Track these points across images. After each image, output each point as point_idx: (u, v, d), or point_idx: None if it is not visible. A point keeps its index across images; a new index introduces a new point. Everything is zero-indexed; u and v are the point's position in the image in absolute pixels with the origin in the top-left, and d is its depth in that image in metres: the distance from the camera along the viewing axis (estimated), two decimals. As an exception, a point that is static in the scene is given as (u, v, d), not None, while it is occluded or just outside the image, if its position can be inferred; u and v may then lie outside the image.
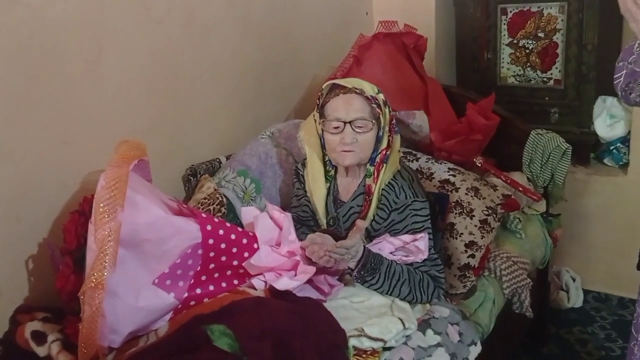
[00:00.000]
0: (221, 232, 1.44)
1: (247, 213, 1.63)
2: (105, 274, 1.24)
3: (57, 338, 1.39)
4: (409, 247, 1.59)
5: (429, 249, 1.61)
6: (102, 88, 1.69)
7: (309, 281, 1.53)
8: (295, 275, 1.50)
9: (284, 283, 1.48)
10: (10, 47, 1.45)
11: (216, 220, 1.47)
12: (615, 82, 1.35)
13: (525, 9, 2.78)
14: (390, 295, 1.56)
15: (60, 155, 1.60)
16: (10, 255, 1.52)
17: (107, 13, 1.68)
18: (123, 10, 1.72)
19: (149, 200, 1.37)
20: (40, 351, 1.38)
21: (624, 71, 1.32)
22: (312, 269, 1.51)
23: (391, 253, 1.60)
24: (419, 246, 1.59)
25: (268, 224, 1.56)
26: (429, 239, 1.63)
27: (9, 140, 1.48)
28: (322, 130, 1.68)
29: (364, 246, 1.54)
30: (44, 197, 1.57)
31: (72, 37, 1.59)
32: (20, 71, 1.48)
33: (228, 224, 1.49)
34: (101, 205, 1.27)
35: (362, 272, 1.53)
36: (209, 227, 1.42)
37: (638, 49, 1.27)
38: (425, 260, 1.61)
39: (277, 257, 1.51)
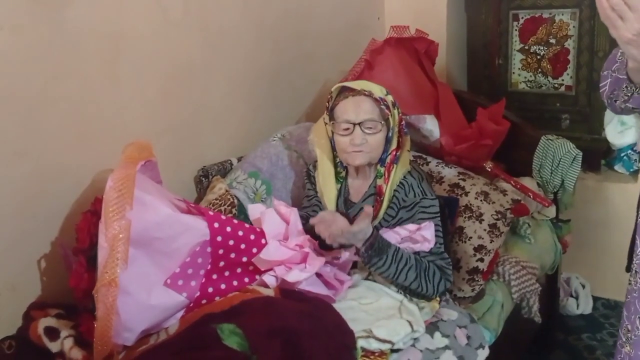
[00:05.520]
0: (229, 229, 1.45)
1: (254, 209, 1.65)
2: (118, 270, 1.26)
3: (70, 334, 1.41)
4: (415, 236, 1.61)
5: (436, 242, 1.62)
6: (118, 89, 1.72)
7: (319, 276, 1.54)
8: (306, 267, 1.51)
9: (294, 276, 1.49)
10: (29, 47, 1.48)
11: (223, 217, 1.48)
12: (601, 91, 1.36)
13: (537, 16, 2.79)
14: (397, 280, 1.56)
15: (76, 154, 1.62)
16: (25, 251, 1.54)
17: (124, 14, 1.71)
18: (140, 12, 1.75)
19: (157, 199, 1.39)
20: (53, 347, 1.39)
21: (609, 79, 1.32)
22: (322, 260, 1.52)
23: (398, 244, 1.61)
24: (424, 235, 1.60)
25: (275, 219, 1.58)
26: (438, 235, 1.64)
27: (26, 139, 1.50)
28: (332, 133, 1.70)
29: (373, 227, 1.55)
30: (60, 194, 1.59)
31: (90, 38, 1.62)
32: (38, 71, 1.51)
33: (235, 221, 1.50)
34: (110, 204, 1.29)
35: (369, 252, 1.54)
36: (216, 225, 1.43)
37: (620, 57, 1.27)
38: (432, 251, 1.62)
39: (285, 250, 1.52)
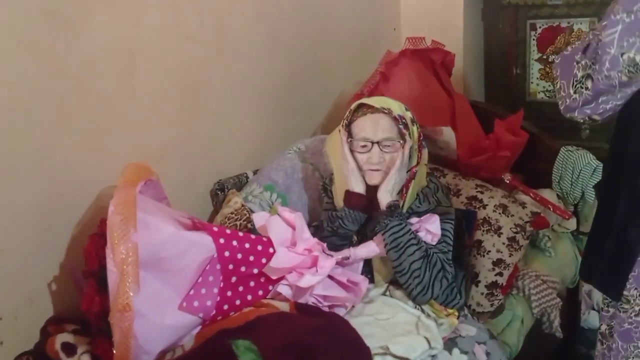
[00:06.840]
0: (235, 242, 1.44)
1: (259, 218, 1.64)
2: (131, 294, 1.24)
3: (86, 350, 1.41)
4: (420, 229, 1.60)
5: (443, 241, 1.61)
6: (134, 102, 1.73)
7: (334, 280, 1.53)
8: (317, 271, 1.50)
9: (307, 280, 1.47)
10: (48, 61, 1.49)
11: (228, 231, 1.47)
12: (607, 40, 1.15)
13: (554, 25, 2.76)
14: (404, 251, 1.55)
15: (93, 167, 1.63)
16: (43, 264, 1.54)
17: (141, 29, 1.71)
18: (156, 26, 1.76)
19: (160, 219, 1.38)
20: (70, 362, 1.40)
21: (620, 26, 1.15)
22: (332, 261, 1.52)
23: None
24: (428, 228, 1.60)
25: (281, 226, 1.56)
26: (446, 236, 1.62)
27: (44, 152, 1.51)
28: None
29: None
30: (78, 207, 1.60)
31: (107, 52, 1.63)
32: (56, 85, 1.52)
33: (240, 234, 1.49)
34: (114, 229, 1.27)
35: (394, 210, 1.57)
36: (222, 240, 1.42)
37: None
38: (436, 246, 1.60)
39: (294, 256, 1.50)
